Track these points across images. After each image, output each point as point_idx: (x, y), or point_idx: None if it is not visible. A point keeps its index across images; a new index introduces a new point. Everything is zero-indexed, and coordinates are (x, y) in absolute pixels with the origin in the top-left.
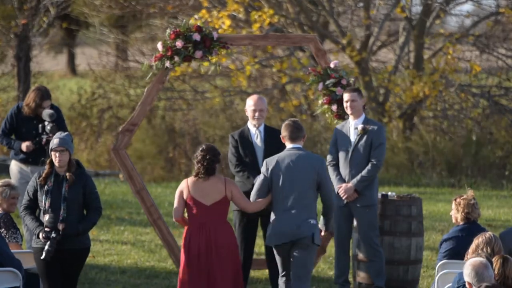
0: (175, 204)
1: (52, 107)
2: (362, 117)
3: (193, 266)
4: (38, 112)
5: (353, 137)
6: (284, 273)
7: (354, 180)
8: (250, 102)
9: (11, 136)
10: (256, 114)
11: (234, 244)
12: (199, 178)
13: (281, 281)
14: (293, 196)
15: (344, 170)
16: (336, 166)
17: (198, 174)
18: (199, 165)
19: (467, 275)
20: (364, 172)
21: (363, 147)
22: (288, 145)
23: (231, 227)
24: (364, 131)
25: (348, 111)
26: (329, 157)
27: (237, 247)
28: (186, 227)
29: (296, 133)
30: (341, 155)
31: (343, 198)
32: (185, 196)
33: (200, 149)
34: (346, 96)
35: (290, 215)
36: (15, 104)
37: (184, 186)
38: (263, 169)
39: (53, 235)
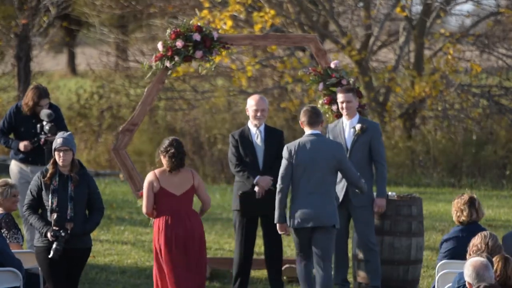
0: (145, 198)
1: (51, 106)
2: (357, 116)
3: (173, 253)
4: (36, 111)
5: (349, 137)
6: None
7: (378, 192)
8: (252, 102)
9: (10, 136)
10: (258, 114)
11: (203, 231)
12: (171, 171)
13: (300, 264)
14: (313, 181)
15: None
16: None
17: (172, 168)
18: (173, 159)
19: (468, 275)
20: (380, 177)
21: (362, 146)
22: (307, 130)
23: (198, 214)
24: (362, 131)
25: (344, 111)
26: None
27: (204, 234)
28: (157, 219)
29: (314, 118)
30: None
31: (379, 211)
32: (155, 189)
33: (169, 143)
34: (341, 97)
35: (311, 200)
36: (14, 103)
37: (153, 178)
38: (285, 154)
39: (62, 234)
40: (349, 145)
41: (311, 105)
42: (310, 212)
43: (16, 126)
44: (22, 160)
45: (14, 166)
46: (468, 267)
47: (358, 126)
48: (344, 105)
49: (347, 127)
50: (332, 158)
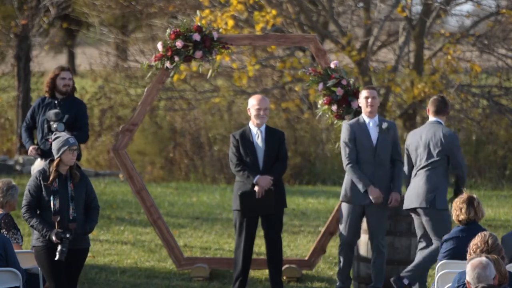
0: None
1: (76, 100)
2: (377, 115)
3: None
4: (58, 85)
5: (374, 135)
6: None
7: (397, 188)
8: (254, 102)
9: (34, 130)
10: (261, 113)
11: None
12: None
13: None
14: (422, 162)
15: (368, 168)
16: (357, 166)
17: None
18: None
19: (468, 275)
20: (398, 174)
21: (387, 145)
22: (431, 118)
23: None
24: (388, 129)
25: (368, 108)
26: (349, 157)
27: None
28: None
29: (441, 107)
30: (363, 153)
31: (392, 205)
32: None
33: None
34: (366, 93)
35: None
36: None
37: None
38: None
39: (67, 235)
40: (374, 143)
41: (440, 94)
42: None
43: (39, 115)
44: (45, 158)
45: (38, 166)
46: (468, 266)
47: (385, 125)
48: (369, 100)
49: (370, 125)
50: (441, 144)
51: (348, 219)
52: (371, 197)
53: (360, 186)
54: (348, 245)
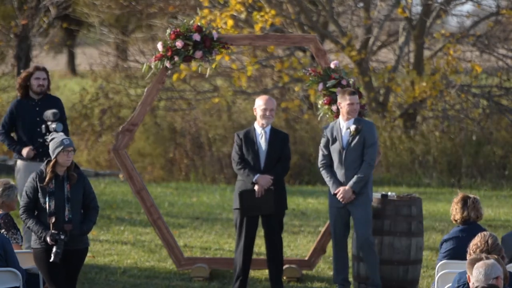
0: None
1: (51, 97)
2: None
3: None
4: (33, 85)
5: (345, 138)
6: None
7: (351, 183)
8: (260, 102)
9: (12, 132)
10: (267, 113)
11: None
12: None
13: None
14: None
15: (339, 171)
16: (330, 168)
17: None
18: None
19: (473, 275)
20: (359, 173)
21: (356, 146)
22: None
23: None
24: (357, 131)
25: (349, 115)
26: (321, 158)
27: None
28: None
29: None
30: (335, 156)
31: (342, 201)
32: None
33: None
34: (348, 99)
35: None
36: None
37: None
38: None
39: (62, 237)
40: (344, 146)
41: None
42: None
43: (19, 117)
44: (29, 160)
45: (21, 165)
46: (474, 267)
47: (352, 127)
48: (353, 107)
49: (343, 128)
50: None
51: (332, 220)
52: (339, 199)
53: (331, 189)
54: (337, 245)
